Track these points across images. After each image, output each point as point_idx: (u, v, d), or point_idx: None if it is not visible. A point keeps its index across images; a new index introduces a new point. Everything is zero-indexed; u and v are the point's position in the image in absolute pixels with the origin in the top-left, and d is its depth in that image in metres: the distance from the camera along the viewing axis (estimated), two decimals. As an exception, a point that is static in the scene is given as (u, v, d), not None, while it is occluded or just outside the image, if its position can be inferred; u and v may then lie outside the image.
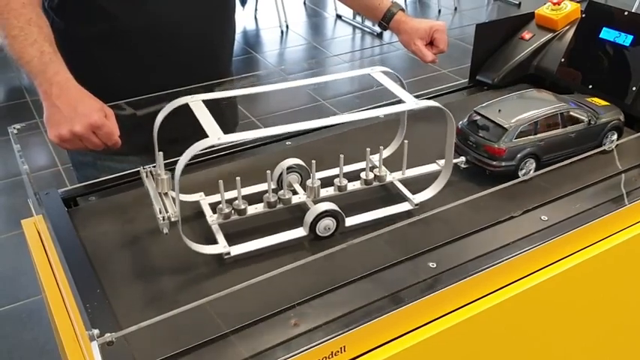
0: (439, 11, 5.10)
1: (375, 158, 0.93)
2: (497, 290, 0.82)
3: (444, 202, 0.83)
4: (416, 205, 0.90)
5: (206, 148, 0.73)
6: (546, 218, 0.90)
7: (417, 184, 0.93)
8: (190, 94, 1.09)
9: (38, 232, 0.97)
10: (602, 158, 1.04)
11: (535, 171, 0.98)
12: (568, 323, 0.96)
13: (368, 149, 0.89)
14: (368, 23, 4.84)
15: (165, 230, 0.77)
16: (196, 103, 0.83)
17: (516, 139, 0.96)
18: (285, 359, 0.68)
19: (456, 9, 5.14)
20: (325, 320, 0.72)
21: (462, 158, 0.98)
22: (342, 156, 0.86)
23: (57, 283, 0.86)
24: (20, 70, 1.00)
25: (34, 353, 1.92)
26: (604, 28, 1.19)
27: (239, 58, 4.28)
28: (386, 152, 1.00)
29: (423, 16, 5.15)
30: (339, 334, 0.70)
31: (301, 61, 4.31)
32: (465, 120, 1.02)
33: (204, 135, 0.76)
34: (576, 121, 1.02)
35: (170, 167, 0.85)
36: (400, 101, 0.87)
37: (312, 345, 0.69)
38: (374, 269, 0.80)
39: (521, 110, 0.99)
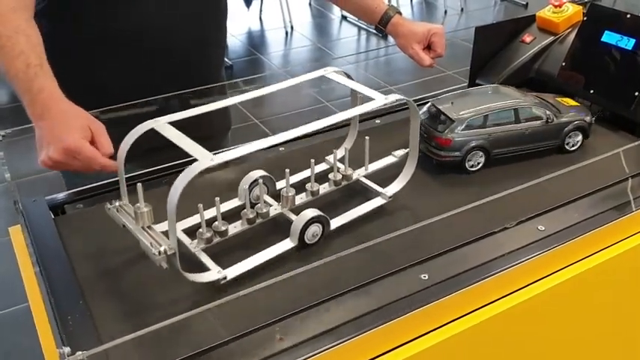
0: (445, 12, 5.07)
1: (339, 156, 0.94)
2: (490, 303, 0.80)
3: (410, 194, 0.88)
4: (389, 197, 0.91)
5: (201, 172, 0.69)
6: (543, 228, 0.88)
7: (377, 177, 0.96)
8: (181, 100, 1.07)
9: (25, 240, 0.96)
10: (600, 167, 1.01)
11: (485, 165, 1.00)
12: (566, 334, 0.93)
13: (335, 151, 0.91)
14: (373, 24, 4.82)
15: (165, 265, 0.72)
16: (162, 127, 0.77)
17: (464, 130, 0.98)
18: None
19: (462, 10, 5.11)
20: (311, 335, 0.70)
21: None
22: (312, 160, 0.86)
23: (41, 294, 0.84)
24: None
25: (31, 358, 1.91)
26: (606, 32, 1.16)
27: (243, 59, 4.27)
28: (341, 152, 0.99)
29: (429, 18, 5.12)
30: (325, 349, 0.68)
31: (306, 62, 4.29)
32: (423, 111, 1.04)
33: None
34: (533, 118, 1.03)
35: (143, 180, 0.82)
36: (365, 99, 0.87)
37: (297, 360, 0.67)
38: (362, 282, 0.77)
39: (474, 104, 1.01)
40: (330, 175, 0.91)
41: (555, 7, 1.29)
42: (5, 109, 3.45)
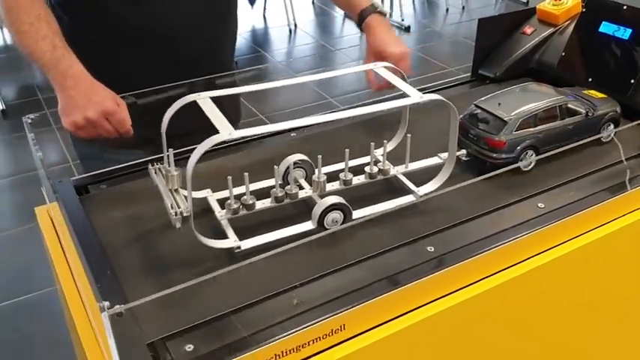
0: (447, 10, 5.12)
1: (379, 152, 0.95)
2: (493, 274, 0.85)
3: (446, 193, 0.84)
4: (420, 197, 0.91)
5: (218, 144, 0.75)
6: (543, 206, 0.93)
7: (419, 177, 0.95)
8: (193, 88, 1.12)
9: (51, 220, 1.01)
10: (598, 148, 1.06)
11: (535, 163, 1.00)
12: (562, 308, 0.98)
13: (372, 144, 0.91)
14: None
15: (178, 225, 0.78)
16: (204, 100, 0.84)
17: (516, 131, 0.98)
18: (287, 336, 0.71)
19: (463, 8, 5.15)
20: (326, 300, 0.75)
21: (463, 151, 0.99)
22: (347, 150, 0.88)
23: (69, 267, 0.90)
24: (32, 68, 1.04)
25: (45, 344, 1.96)
26: (603, 23, 1.21)
27: (247, 56, 4.32)
28: (389, 146, 1.01)
29: (431, 16, 5.17)
30: (338, 313, 0.73)
31: (309, 59, 4.34)
32: (466, 113, 1.04)
33: (209, 129, 0.78)
34: (574, 113, 1.04)
35: (177, 160, 0.88)
36: (404, 95, 0.89)
37: (312, 322, 0.72)
38: (374, 252, 0.82)
39: (521, 103, 1.01)
40: (367, 168, 0.93)
41: (555, -1, 1.34)
42: (11, 105, 3.51)
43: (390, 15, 4.96)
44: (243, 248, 0.81)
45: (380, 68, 0.95)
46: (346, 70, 1.01)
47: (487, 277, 0.84)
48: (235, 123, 1.38)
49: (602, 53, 1.21)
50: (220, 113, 0.80)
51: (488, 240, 0.86)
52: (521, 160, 0.99)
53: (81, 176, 1.03)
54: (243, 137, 0.75)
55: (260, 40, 4.70)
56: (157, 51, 1.16)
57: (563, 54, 1.27)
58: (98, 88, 0.99)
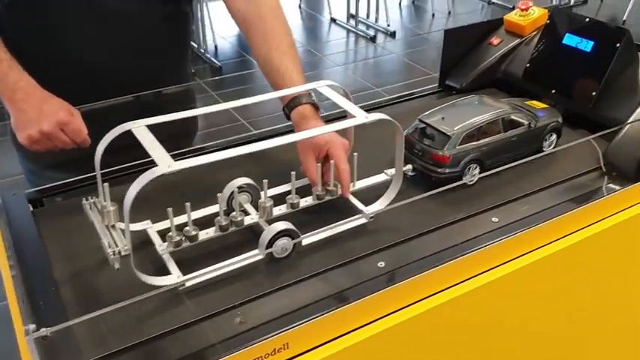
0: (433, 15, 5.13)
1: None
2: (444, 290, 0.84)
3: (394, 210, 0.84)
4: (370, 217, 0.90)
5: (156, 178, 0.70)
6: (497, 220, 0.92)
7: (367, 194, 0.94)
8: (144, 99, 1.09)
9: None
10: (551, 162, 1.06)
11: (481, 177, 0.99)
12: (516, 322, 0.98)
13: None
14: (362, 27, 4.87)
15: (117, 265, 0.74)
16: (140, 130, 0.78)
17: (459, 145, 0.98)
18: (230, 354, 0.70)
19: (449, 13, 5.17)
20: (270, 318, 0.74)
21: (409, 166, 0.99)
22: (293, 173, 0.86)
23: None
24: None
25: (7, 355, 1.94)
26: (567, 34, 1.21)
27: (233, 60, 4.31)
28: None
29: (417, 21, 5.18)
30: (282, 332, 0.72)
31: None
32: (410, 128, 1.03)
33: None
34: (517, 125, 1.05)
35: (116, 178, 0.84)
36: (348, 115, 0.86)
37: (255, 341, 0.71)
38: (321, 269, 0.82)
39: (464, 117, 1.01)
40: (314, 189, 0.91)
41: (522, 10, 1.35)
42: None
43: (376, 20, 4.97)
44: (187, 285, 0.78)
45: (323, 87, 0.92)
46: (291, 90, 0.97)
47: (440, 291, 0.84)
48: (193, 136, 1.37)
49: (566, 65, 1.21)
50: (157, 143, 0.75)
51: (440, 255, 0.85)
52: (465, 175, 0.99)
53: (34, 189, 1.02)
54: (183, 169, 0.70)
55: (245, 45, 4.67)
56: (100, 78, 1.12)
57: (528, 65, 1.27)
58: (49, 99, 0.98)
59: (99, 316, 0.63)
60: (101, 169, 0.84)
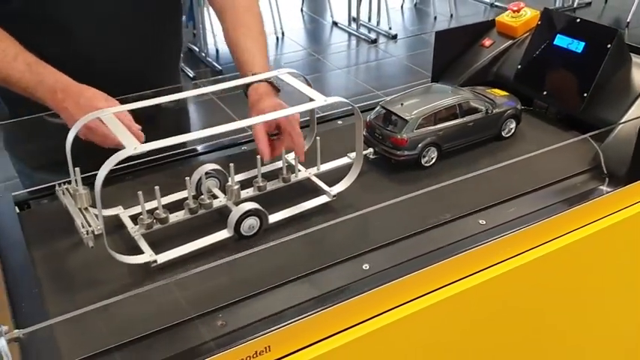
0: (435, 18, 5.13)
1: (291, 156, 0.99)
2: (429, 293, 0.84)
3: (360, 194, 0.91)
4: (333, 196, 0.94)
5: (123, 160, 0.72)
6: (484, 222, 0.92)
7: (332, 177, 0.99)
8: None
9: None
10: (543, 163, 1.05)
11: (437, 159, 1.06)
12: (507, 325, 0.97)
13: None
14: (363, 30, 4.88)
15: (91, 244, 0.77)
16: (108, 117, 0.82)
17: (417, 129, 1.03)
18: (211, 356, 0.69)
19: (452, 15, 5.16)
20: (252, 321, 0.74)
21: (370, 150, 1.06)
22: (259, 157, 0.91)
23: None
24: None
25: None
26: (558, 35, 1.20)
27: (234, 64, 4.31)
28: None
29: (419, 23, 5.18)
30: (263, 334, 0.72)
31: (295, 66, 4.33)
32: (373, 114, 1.09)
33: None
34: (474, 111, 1.10)
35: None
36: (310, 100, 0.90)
37: (236, 343, 0.70)
38: (305, 272, 0.81)
39: (422, 103, 1.07)
40: (279, 172, 0.95)
41: (514, 11, 1.34)
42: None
43: (378, 23, 4.97)
44: (159, 262, 0.80)
45: (284, 74, 0.96)
46: (254, 77, 1.02)
47: (423, 295, 0.83)
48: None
49: (557, 66, 1.21)
50: (124, 128, 0.78)
51: (427, 257, 0.85)
52: (423, 157, 1.05)
53: (21, 191, 1.02)
54: (149, 150, 0.72)
55: (247, 48, 4.69)
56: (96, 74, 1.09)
57: (520, 67, 1.26)
58: (85, 91, 0.95)
59: (79, 317, 0.63)
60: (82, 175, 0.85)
